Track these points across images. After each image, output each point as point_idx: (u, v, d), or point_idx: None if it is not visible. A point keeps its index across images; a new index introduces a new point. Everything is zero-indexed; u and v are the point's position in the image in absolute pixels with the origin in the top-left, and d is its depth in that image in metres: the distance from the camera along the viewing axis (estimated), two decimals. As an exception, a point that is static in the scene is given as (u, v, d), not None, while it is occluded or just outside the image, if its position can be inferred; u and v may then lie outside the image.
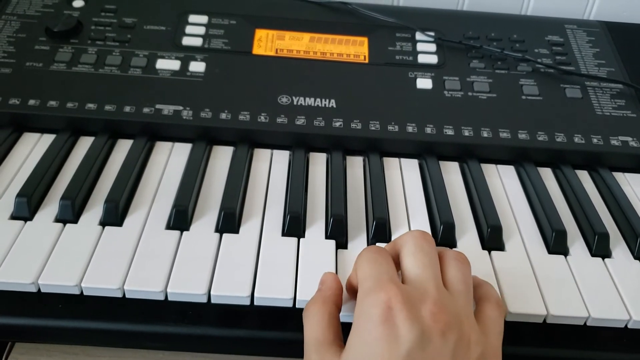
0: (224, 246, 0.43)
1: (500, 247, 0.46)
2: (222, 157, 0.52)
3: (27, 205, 0.44)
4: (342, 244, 0.45)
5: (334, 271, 0.42)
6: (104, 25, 0.61)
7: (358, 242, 0.45)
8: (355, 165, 0.53)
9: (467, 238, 0.46)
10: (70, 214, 0.44)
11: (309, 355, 0.35)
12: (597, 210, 0.49)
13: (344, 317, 0.38)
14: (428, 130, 0.54)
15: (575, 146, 0.54)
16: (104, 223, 0.44)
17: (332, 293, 0.38)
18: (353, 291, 0.38)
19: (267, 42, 0.61)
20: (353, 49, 0.61)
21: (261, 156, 0.53)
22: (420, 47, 0.62)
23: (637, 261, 0.46)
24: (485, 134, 0.54)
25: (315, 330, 0.36)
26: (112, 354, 0.45)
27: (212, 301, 0.40)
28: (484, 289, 0.38)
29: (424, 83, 0.58)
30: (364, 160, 0.54)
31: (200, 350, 0.44)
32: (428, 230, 0.47)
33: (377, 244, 0.44)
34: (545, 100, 0.58)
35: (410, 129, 0.54)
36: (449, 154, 0.55)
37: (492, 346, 0.35)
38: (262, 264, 0.42)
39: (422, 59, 0.61)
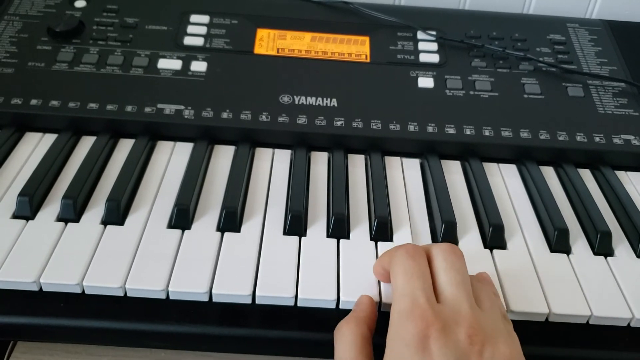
0: (225, 245, 0.43)
1: (502, 246, 0.46)
2: (223, 156, 0.52)
3: (29, 205, 0.44)
4: (343, 243, 0.45)
5: (335, 270, 0.42)
6: (105, 25, 0.61)
7: (359, 241, 0.45)
8: (357, 164, 0.53)
9: (469, 237, 0.46)
10: (72, 213, 0.44)
11: None
12: (600, 208, 0.49)
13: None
14: (430, 129, 0.54)
15: (578, 145, 0.54)
16: (105, 222, 0.44)
17: (365, 315, 0.38)
18: (381, 274, 0.40)
19: (268, 42, 0.61)
20: (354, 48, 0.61)
21: (263, 155, 0.53)
22: (421, 46, 0.62)
23: (640, 259, 0.46)
24: (487, 133, 0.54)
25: (347, 351, 0.36)
26: (114, 353, 0.45)
27: (214, 300, 0.40)
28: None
29: (426, 82, 0.58)
30: (365, 159, 0.54)
31: (202, 349, 0.44)
32: (427, 229, 0.47)
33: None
34: (547, 98, 0.58)
35: (411, 128, 0.54)
36: (450, 153, 0.54)
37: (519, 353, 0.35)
38: (264, 263, 0.42)
39: (423, 58, 0.61)
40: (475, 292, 0.37)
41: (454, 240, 0.46)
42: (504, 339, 0.34)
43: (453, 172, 0.53)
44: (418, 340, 0.32)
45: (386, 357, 0.34)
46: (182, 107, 0.53)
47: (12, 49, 0.57)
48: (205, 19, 0.63)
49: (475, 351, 0.32)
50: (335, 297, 0.40)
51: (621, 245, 0.47)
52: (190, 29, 0.61)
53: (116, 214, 0.44)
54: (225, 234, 0.44)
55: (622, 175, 0.54)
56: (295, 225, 0.45)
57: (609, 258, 0.46)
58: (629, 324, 0.41)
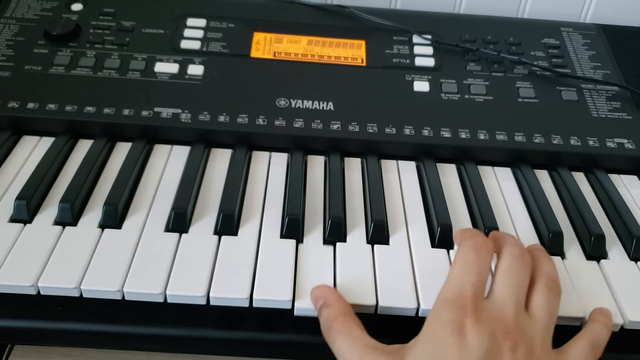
0: (222, 248, 0.43)
1: (497, 249, 0.46)
2: (220, 160, 0.53)
3: (26, 208, 0.44)
4: (340, 246, 0.45)
5: (331, 272, 0.42)
6: (102, 28, 0.61)
7: (356, 244, 0.45)
8: (353, 168, 0.53)
9: (465, 240, 0.47)
10: (69, 216, 0.44)
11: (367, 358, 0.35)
12: (593, 211, 0.50)
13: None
14: (425, 132, 0.54)
15: (572, 148, 0.54)
16: (103, 226, 0.44)
17: (343, 304, 0.39)
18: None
19: (265, 45, 0.61)
20: (351, 52, 0.62)
21: (259, 159, 0.53)
22: (417, 50, 0.63)
23: (633, 262, 0.46)
24: (482, 136, 0.54)
25: (360, 338, 0.36)
26: (112, 356, 0.45)
27: (211, 303, 0.40)
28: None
29: (421, 86, 0.59)
30: (361, 163, 0.54)
31: (199, 352, 0.44)
32: (425, 232, 0.47)
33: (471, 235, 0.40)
34: (541, 102, 0.58)
35: (407, 131, 0.54)
36: (446, 156, 0.55)
37: None
38: (261, 266, 0.42)
39: (419, 61, 0.61)
40: (534, 298, 0.37)
41: (450, 243, 0.46)
42: (545, 349, 0.35)
43: (448, 175, 0.54)
44: (455, 325, 0.34)
45: (424, 331, 0.35)
46: (179, 110, 0.53)
47: (9, 53, 0.57)
48: (202, 22, 0.63)
49: (508, 345, 0.33)
50: (332, 300, 0.40)
51: (614, 248, 0.48)
52: (187, 32, 0.62)
53: (114, 218, 0.45)
54: (223, 237, 0.44)
55: (615, 178, 0.55)
56: (292, 228, 0.45)
57: (602, 261, 0.46)
58: (622, 327, 0.42)
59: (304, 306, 0.40)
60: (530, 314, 0.37)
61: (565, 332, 0.41)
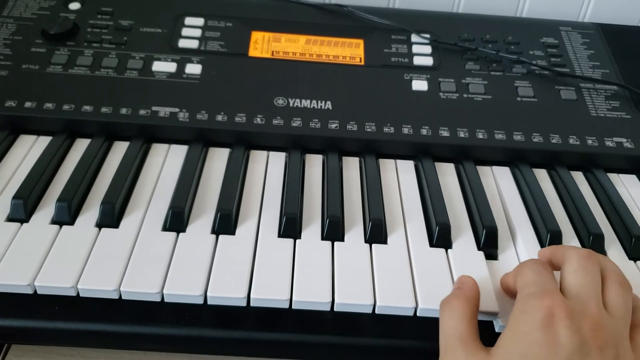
0: (220, 247, 0.43)
1: (495, 248, 0.46)
2: (218, 159, 0.52)
3: (23, 207, 0.44)
4: (338, 245, 0.45)
5: (329, 272, 0.42)
6: (100, 27, 0.61)
7: (354, 243, 0.45)
8: (351, 167, 0.53)
9: (463, 239, 0.47)
10: (66, 215, 0.44)
11: (453, 347, 0.35)
12: (592, 211, 0.49)
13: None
14: (424, 131, 0.54)
15: (570, 147, 0.54)
16: (100, 225, 0.44)
17: (473, 295, 0.39)
18: (505, 289, 0.41)
19: (263, 44, 0.61)
20: (349, 51, 0.62)
21: (257, 158, 0.53)
22: (415, 49, 0.63)
23: (632, 261, 0.46)
24: (480, 136, 0.54)
25: (460, 324, 0.36)
26: (109, 356, 0.45)
27: (209, 302, 0.40)
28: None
29: (420, 85, 0.59)
30: (360, 162, 0.54)
31: (197, 352, 0.44)
32: (424, 231, 0.47)
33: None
34: (540, 101, 0.58)
35: (406, 130, 0.54)
36: (444, 156, 0.55)
37: None
38: (258, 265, 0.42)
39: (417, 60, 0.61)
40: (609, 295, 0.36)
41: (449, 242, 0.46)
42: (626, 347, 0.34)
43: (447, 174, 0.54)
44: (544, 317, 0.33)
45: (507, 331, 0.34)
46: (176, 109, 0.53)
47: (6, 51, 0.57)
48: (200, 21, 0.63)
49: (596, 345, 0.32)
50: (330, 299, 0.40)
51: (613, 247, 0.48)
52: (185, 31, 0.61)
53: (111, 217, 0.44)
54: (220, 236, 0.44)
55: (614, 177, 0.55)
56: (290, 227, 0.45)
57: (601, 260, 0.46)
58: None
59: (302, 306, 0.40)
60: (610, 311, 0.35)
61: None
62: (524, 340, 0.33)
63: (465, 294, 0.38)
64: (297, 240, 0.45)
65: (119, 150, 0.52)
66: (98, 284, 0.40)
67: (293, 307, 0.40)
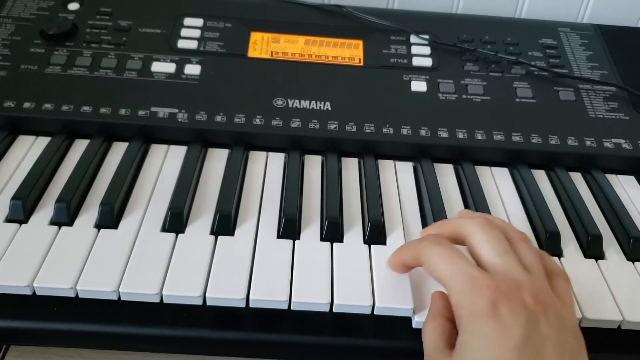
0: (219, 248, 0.43)
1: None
2: (217, 160, 0.52)
3: (22, 208, 0.44)
4: (337, 246, 0.45)
5: (328, 273, 0.42)
6: (99, 28, 0.61)
7: (353, 244, 0.45)
8: (350, 168, 0.53)
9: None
10: (65, 216, 0.44)
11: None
12: (591, 211, 0.50)
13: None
14: (422, 132, 0.54)
15: (569, 148, 0.54)
16: (99, 226, 0.44)
17: (438, 308, 0.39)
18: (401, 267, 0.41)
19: (262, 45, 0.61)
20: (348, 51, 0.62)
21: (256, 159, 0.53)
22: (414, 50, 0.63)
23: (630, 262, 0.46)
24: (479, 137, 0.54)
25: (429, 342, 0.37)
26: (108, 357, 0.45)
27: (208, 303, 0.40)
28: (549, 263, 0.38)
29: (419, 86, 0.59)
30: (359, 163, 0.54)
31: (196, 353, 0.44)
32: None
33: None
34: (538, 102, 0.58)
35: (404, 131, 0.54)
36: (443, 156, 0.55)
37: (574, 317, 0.36)
38: (258, 266, 0.42)
39: (416, 61, 0.61)
40: (523, 255, 0.36)
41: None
42: (556, 299, 0.35)
43: (446, 175, 0.54)
44: (488, 308, 0.33)
45: (460, 332, 0.34)
46: (175, 110, 0.53)
47: (5, 52, 0.57)
48: (199, 22, 0.63)
49: (540, 311, 0.33)
50: (329, 300, 0.40)
51: (612, 248, 0.48)
52: (184, 32, 0.61)
53: (110, 218, 0.44)
54: (219, 237, 0.44)
55: (612, 178, 0.55)
56: (289, 228, 0.45)
57: (599, 261, 0.46)
58: (619, 326, 0.42)
59: (301, 307, 0.40)
60: (530, 270, 0.35)
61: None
62: (476, 334, 0.33)
63: (430, 313, 0.39)
64: (296, 241, 0.45)
65: (118, 150, 0.52)
66: (97, 284, 0.40)
67: (292, 308, 0.40)
